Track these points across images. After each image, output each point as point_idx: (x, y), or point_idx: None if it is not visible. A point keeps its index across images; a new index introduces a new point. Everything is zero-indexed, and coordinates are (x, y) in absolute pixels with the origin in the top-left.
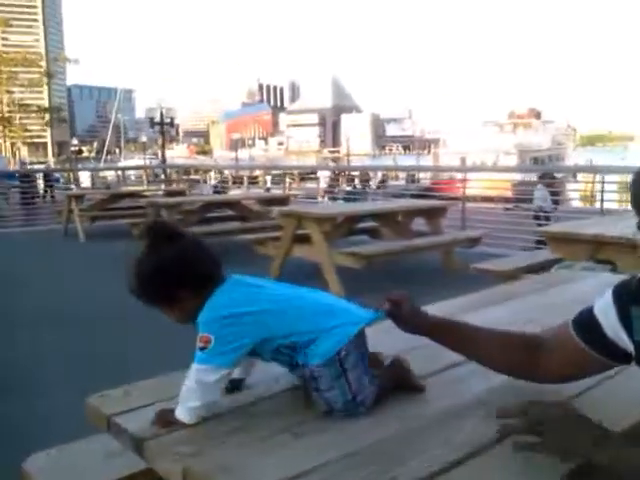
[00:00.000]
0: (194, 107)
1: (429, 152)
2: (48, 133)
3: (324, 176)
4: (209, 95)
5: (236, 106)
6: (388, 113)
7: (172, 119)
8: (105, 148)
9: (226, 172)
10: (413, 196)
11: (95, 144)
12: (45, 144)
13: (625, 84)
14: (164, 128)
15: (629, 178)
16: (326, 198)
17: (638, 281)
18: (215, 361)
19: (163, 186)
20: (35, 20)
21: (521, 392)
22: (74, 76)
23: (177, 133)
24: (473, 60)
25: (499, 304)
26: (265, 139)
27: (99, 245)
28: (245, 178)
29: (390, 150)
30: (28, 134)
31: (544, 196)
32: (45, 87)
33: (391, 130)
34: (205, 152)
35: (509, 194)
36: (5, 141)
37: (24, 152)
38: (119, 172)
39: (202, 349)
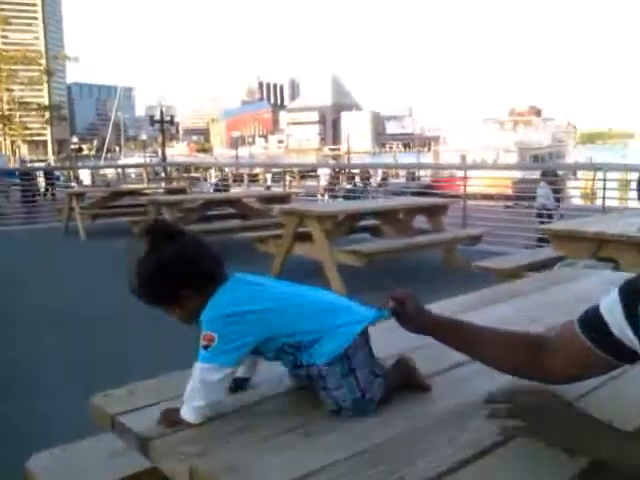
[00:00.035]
0: (194, 105)
1: (429, 150)
2: (48, 131)
3: (324, 174)
4: (209, 93)
5: (236, 104)
6: (388, 111)
7: (172, 117)
8: (105, 146)
9: (226, 170)
10: (414, 194)
11: (95, 142)
12: (45, 142)
13: (625, 81)
14: (164, 126)
15: (630, 176)
16: (326, 196)
17: None
18: (218, 360)
19: (163, 184)
20: (35, 18)
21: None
22: (74, 74)
23: (177, 131)
24: (473, 57)
25: (502, 302)
26: (265, 137)
27: (100, 243)
28: (245, 176)
29: (390, 148)
30: (28, 132)
31: (547, 194)
32: (45, 85)
33: (391, 128)
34: (205, 150)
35: (509, 192)
36: (5, 139)
37: (24, 150)
38: (119, 170)
39: (205, 347)
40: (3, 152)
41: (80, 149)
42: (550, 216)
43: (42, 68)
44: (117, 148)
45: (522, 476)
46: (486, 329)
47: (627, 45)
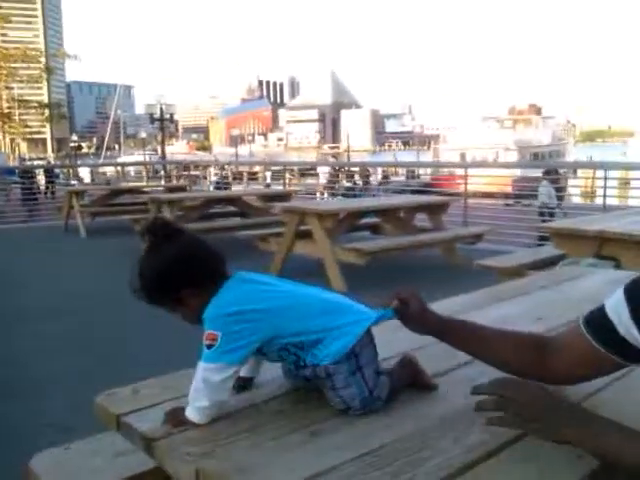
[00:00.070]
0: (194, 103)
1: (429, 148)
2: (47, 129)
3: (324, 172)
4: (209, 91)
5: (236, 102)
6: (388, 109)
7: (172, 115)
8: (104, 144)
9: (227, 168)
10: (414, 192)
11: (94, 140)
12: (44, 140)
13: (624, 80)
14: (164, 124)
15: (631, 174)
16: (326, 194)
17: None
18: (222, 359)
19: (163, 182)
20: (34, 16)
21: None
22: (74, 72)
23: (177, 129)
24: (473, 56)
25: (506, 301)
26: (265, 135)
27: (100, 241)
28: (245, 174)
29: (390, 146)
30: (27, 130)
31: (549, 192)
32: (45, 83)
33: (391, 126)
34: (205, 148)
35: (509, 190)
36: (4, 137)
37: (23, 148)
38: (119, 168)
39: (209, 347)
40: (2, 150)
41: (79, 147)
42: (552, 214)
43: (42, 66)
44: (116, 146)
45: (531, 476)
46: (490, 329)
47: (627, 43)
